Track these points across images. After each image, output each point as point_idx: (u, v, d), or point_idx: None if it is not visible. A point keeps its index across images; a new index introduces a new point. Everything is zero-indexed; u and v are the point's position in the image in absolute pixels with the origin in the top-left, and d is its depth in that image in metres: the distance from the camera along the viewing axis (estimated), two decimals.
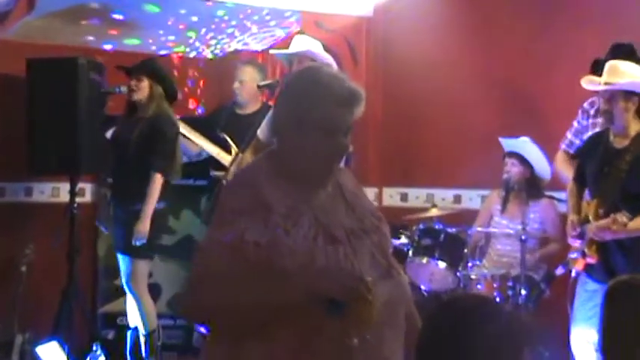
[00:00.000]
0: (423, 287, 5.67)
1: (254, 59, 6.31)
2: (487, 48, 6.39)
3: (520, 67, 6.25)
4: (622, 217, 4.38)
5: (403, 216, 6.08)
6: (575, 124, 5.38)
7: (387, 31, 6.79)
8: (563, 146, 5.43)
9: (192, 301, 2.48)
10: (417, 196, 6.77)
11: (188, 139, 5.87)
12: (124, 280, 5.55)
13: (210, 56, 6.78)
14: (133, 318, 5.63)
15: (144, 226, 5.29)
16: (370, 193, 6.84)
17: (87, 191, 6.47)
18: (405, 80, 6.69)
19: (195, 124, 6.02)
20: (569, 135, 5.42)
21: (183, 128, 5.79)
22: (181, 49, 6.65)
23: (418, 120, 6.71)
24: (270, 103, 5.41)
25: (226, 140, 5.78)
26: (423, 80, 6.56)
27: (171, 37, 6.51)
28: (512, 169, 5.66)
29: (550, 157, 5.64)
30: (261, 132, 5.19)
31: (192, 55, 6.74)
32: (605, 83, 4.58)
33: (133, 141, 5.36)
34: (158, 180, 5.33)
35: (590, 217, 4.60)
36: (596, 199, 4.63)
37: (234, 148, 5.53)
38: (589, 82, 4.70)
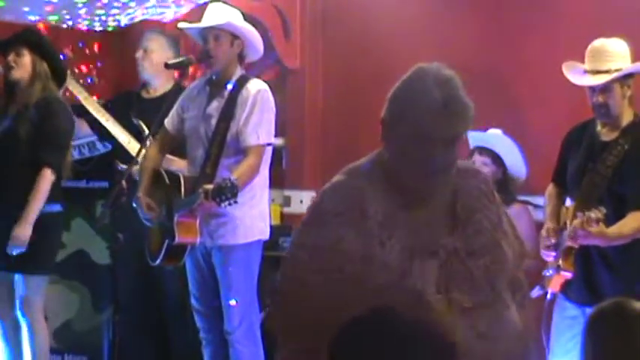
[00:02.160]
0: None
1: (164, 30, 6.19)
2: (448, 22, 6.35)
3: (487, 46, 6.20)
4: (597, 212, 4.35)
5: None
6: None
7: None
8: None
9: (283, 318, 2.77)
10: None
11: (98, 123, 5.85)
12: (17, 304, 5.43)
13: (110, 28, 6.66)
14: (0, 352, 5.53)
15: (24, 230, 5.20)
16: (306, 197, 6.77)
17: None
18: (349, 59, 6.66)
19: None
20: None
21: (89, 105, 5.80)
22: (59, 18, 6.59)
23: (366, 108, 6.55)
24: (186, 83, 5.34)
25: (139, 127, 5.74)
26: (372, 59, 6.52)
27: (56, 5, 6.41)
28: (483, 168, 5.56)
29: (524, 151, 5.60)
30: (170, 122, 5.10)
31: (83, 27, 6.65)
32: (595, 72, 4.59)
33: (24, 136, 5.28)
34: (48, 177, 5.26)
35: (568, 223, 4.59)
36: (576, 201, 4.64)
37: (146, 137, 5.46)
38: (575, 74, 4.70)
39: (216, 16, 4.99)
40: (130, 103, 5.92)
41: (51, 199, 5.32)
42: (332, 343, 2.13)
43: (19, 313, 5.40)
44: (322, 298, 2.62)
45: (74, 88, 5.91)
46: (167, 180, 5.05)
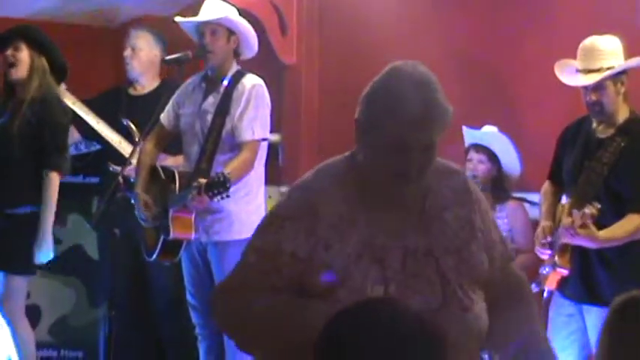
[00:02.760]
0: None
1: (150, 27, 6.19)
2: (445, 19, 6.33)
3: (485, 40, 6.20)
4: (591, 208, 4.36)
5: None
6: None
7: None
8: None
9: (216, 310, 2.77)
10: None
11: (86, 124, 5.84)
12: None
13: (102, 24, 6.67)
14: (3, 348, 5.49)
15: (45, 240, 5.21)
16: None
17: None
18: (346, 55, 6.63)
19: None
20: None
21: (79, 108, 5.77)
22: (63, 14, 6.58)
23: None
24: (182, 81, 5.34)
25: (129, 128, 5.72)
26: (369, 55, 6.45)
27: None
28: (479, 166, 5.60)
29: (519, 148, 5.60)
30: (166, 117, 5.09)
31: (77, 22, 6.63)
32: (587, 71, 4.59)
33: (16, 132, 5.24)
34: (55, 180, 5.24)
35: (563, 220, 4.58)
36: (572, 198, 4.63)
37: (137, 137, 5.46)
38: (567, 74, 4.70)
39: (213, 11, 5.00)
40: (118, 101, 5.93)
41: (38, 199, 5.29)
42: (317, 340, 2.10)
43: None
44: (262, 300, 2.62)
45: (62, 92, 5.86)
46: (163, 175, 5.06)
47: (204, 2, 5.10)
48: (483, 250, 2.76)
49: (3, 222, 5.27)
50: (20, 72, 5.32)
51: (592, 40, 4.63)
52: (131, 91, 5.97)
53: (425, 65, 2.73)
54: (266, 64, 5.71)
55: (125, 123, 5.75)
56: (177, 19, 5.14)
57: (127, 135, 5.77)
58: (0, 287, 5.32)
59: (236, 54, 5.02)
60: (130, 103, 5.84)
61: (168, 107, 5.13)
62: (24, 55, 5.33)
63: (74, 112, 5.75)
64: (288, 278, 2.62)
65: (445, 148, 5.64)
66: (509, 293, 2.85)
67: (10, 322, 5.34)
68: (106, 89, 6.30)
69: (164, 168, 5.14)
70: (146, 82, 5.93)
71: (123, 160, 5.47)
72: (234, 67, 4.98)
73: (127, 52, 5.91)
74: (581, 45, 4.66)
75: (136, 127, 5.60)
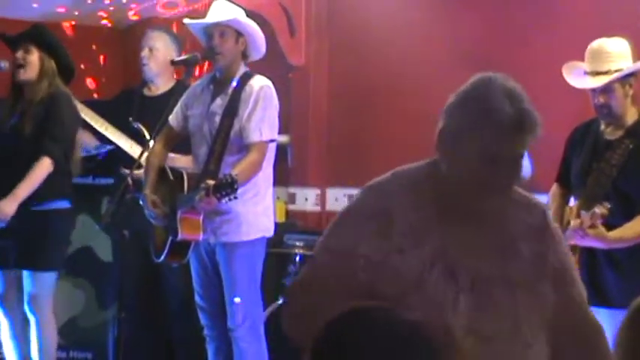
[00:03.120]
0: None
1: (168, 27, 6.18)
2: (456, 15, 6.33)
3: (494, 41, 6.20)
4: (601, 208, 4.33)
5: None
6: None
7: None
8: None
9: (287, 315, 2.76)
10: None
11: (92, 128, 5.83)
12: (3, 304, 5.45)
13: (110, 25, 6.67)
14: (11, 354, 5.53)
15: (10, 205, 5.19)
16: (311, 195, 6.75)
17: None
18: (355, 56, 6.64)
19: (98, 109, 5.95)
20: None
21: (85, 114, 5.73)
22: (74, 15, 6.56)
23: (372, 105, 6.65)
24: (190, 82, 5.35)
25: (140, 131, 5.71)
26: (377, 56, 6.50)
27: (64, 1, 6.44)
28: None
29: (528, 150, 5.57)
30: (174, 119, 5.09)
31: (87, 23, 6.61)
32: (595, 73, 4.56)
33: (27, 131, 5.27)
34: (45, 165, 5.23)
35: (572, 221, 4.56)
36: (580, 200, 4.61)
37: (147, 140, 5.42)
38: (575, 76, 4.68)
39: (222, 12, 4.98)
40: (131, 103, 5.90)
41: (59, 195, 5.33)
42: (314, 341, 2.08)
43: (27, 310, 5.38)
44: (334, 303, 2.45)
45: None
46: (171, 176, 5.06)
47: (212, 4, 5.09)
48: (555, 290, 2.69)
49: (23, 220, 5.24)
50: (29, 73, 5.33)
51: (600, 43, 4.60)
52: (145, 92, 5.95)
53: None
54: (275, 65, 5.71)
55: (135, 126, 5.73)
56: (186, 20, 5.12)
57: (137, 137, 5.75)
58: (28, 286, 5.35)
59: (244, 55, 5.00)
60: (143, 104, 5.81)
61: (177, 108, 5.13)
62: (34, 57, 5.35)
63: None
64: (361, 282, 2.58)
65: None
66: (583, 341, 2.77)
67: (38, 320, 5.36)
68: (120, 90, 6.31)
69: (172, 169, 5.14)
70: (161, 83, 5.91)
71: (134, 162, 5.42)
72: (242, 69, 4.97)
73: (145, 53, 5.89)
74: (589, 47, 4.64)
75: (148, 128, 5.54)
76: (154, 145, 5.16)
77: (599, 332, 2.82)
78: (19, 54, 5.35)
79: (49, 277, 5.40)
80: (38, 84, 5.34)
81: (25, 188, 5.19)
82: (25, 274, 5.35)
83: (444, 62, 6.33)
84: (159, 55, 5.86)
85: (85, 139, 5.84)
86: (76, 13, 6.57)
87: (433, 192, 2.66)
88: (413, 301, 2.50)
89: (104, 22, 6.73)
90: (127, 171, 5.38)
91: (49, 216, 5.30)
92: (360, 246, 2.61)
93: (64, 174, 5.35)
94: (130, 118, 5.76)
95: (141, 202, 5.06)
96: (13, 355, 5.53)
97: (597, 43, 4.61)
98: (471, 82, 2.72)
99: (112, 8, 6.57)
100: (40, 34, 5.42)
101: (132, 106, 5.86)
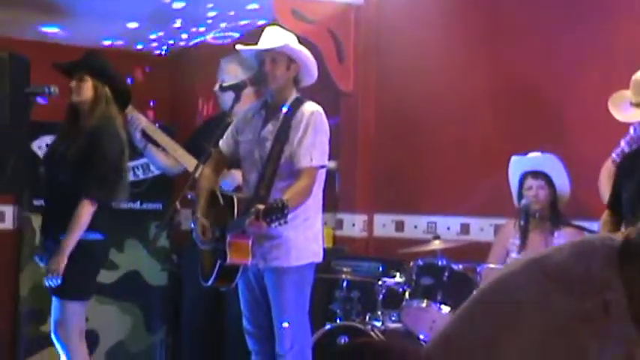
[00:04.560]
0: (422, 337, 5.54)
1: (238, 54, 6.18)
2: (500, 47, 6.35)
3: (538, 71, 6.19)
4: None
5: (398, 249, 5.99)
6: (631, 130, 5.28)
7: (380, 23, 6.78)
8: (613, 155, 5.32)
9: None
10: (415, 225, 6.69)
11: (162, 149, 5.88)
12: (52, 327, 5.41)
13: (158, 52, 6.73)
14: None
15: (58, 261, 5.18)
16: (358, 221, 6.75)
17: (7, 215, 6.53)
18: (402, 83, 6.66)
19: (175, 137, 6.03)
20: (622, 143, 5.33)
21: (157, 137, 5.80)
22: (134, 40, 6.72)
23: (418, 132, 6.65)
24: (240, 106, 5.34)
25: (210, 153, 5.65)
26: (424, 84, 6.53)
27: (115, 28, 6.52)
28: (540, 192, 5.65)
29: (571, 175, 5.64)
30: (225, 143, 5.11)
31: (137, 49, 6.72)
32: (638, 105, 4.63)
33: (70, 156, 5.27)
34: (87, 208, 5.22)
35: None
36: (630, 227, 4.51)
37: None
38: (621, 109, 4.75)
39: (274, 39, 4.98)
40: (213, 130, 5.84)
41: (92, 227, 5.29)
42: None
43: (54, 337, 5.37)
44: None
45: (144, 123, 5.89)
46: (221, 201, 5.06)
47: (265, 30, 5.11)
48: None
49: (55, 248, 5.25)
50: (83, 97, 5.35)
51: None
52: (229, 120, 5.95)
53: None
54: (323, 91, 5.72)
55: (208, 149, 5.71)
56: (239, 47, 5.12)
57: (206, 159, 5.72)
58: (55, 313, 5.33)
59: (296, 81, 4.99)
60: (223, 130, 5.80)
61: (228, 133, 5.14)
62: (87, 85, 5.36)
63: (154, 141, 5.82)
64: None
65: (499, 178, 5.77)
66: None
67: (66, 348, 5.33)
68: (203, 122, 6.39)
69: (223, 193, 5.15)
70: (237, 109, 5.88)
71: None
72: (294, 95, 4.96)
73: (216, 87, 5.92)
74: (633, 78, 4.68)
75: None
76: (203, 169, 5.17)
77: None
78: (73, 83, 5.38)
79: (76, 306, 5.36)
80: (92, 111, 5.34)
81: (70, 239, 5.19)
82: (54, 301, 5.35)
83: (489, 92, 6.35)
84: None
85: (165, 161, 5.91)
86: (139, 41, 6.62)
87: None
88: None
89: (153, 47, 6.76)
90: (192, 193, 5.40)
91: (79, 247, 5.26)
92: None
93: (100, 208, 5.32)
94: (206, 143, 5.75)
95: (191, 226, 5.07)
96: None
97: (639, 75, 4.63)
98: None
99: (161, 34, 6.62)
100: (93, 62, 5.44)
101: (213, 131, 5.83)
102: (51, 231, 5.37)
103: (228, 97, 5.70)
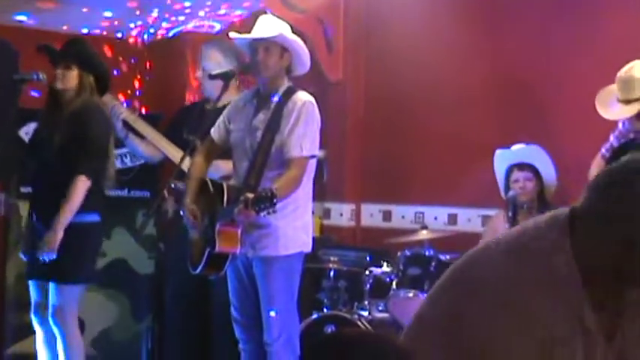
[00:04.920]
0: None
1: (222, 41, 6.18)
2: (491, 36, 6.38)
3: (528, 62, 6.23)
4: None
5: (386, 239, 6.00)
6: (619, 125, 5.31)
7: (369, 13, 6.76)
8: (602, 150, 5.36)
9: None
10: (402, 215, 6.73)
11: (143, 137, 5.90)
12: (40, 314, 5.43)
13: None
14: (42, 357, 5.50)
15: (55, 237, 5.17)
16: (346, 210, 6.75)
17: None
18: (391, 73, 6.68)
19: (158, 126, 6.04)
20: (611, 138, 5.38)
21: (139, 126, 5.83)
22: (115, 28, 6.67)
23: (406, 122, 6.67)
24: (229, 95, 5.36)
25: (194, 142, 5.60)
26: (413, 74, 6.54)
27: (105, 14, 6.48)
28: (528, 184, 5.69)
29: (559, 167, 5.68)
30: (216, 131, 5.11)
31: (130, 36, 6.72)
32: (627, 101, 4.67)
33: (57, 142, 5.27)
34: (82, 183, 5.22)
35: None
36: None
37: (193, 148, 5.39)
38: (608, 105, 4.81)
39: (267, 28, 4.97)
40: (190, 117, 5.91)
41: (88, 208, 5.31)
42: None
43: (51, 322, 5.37)
44: None
45: (125, 113, 5.90)
46: (211, 189, 5.05)
47: (258, 19, 5.09)
48: None
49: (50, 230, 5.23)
50: (67, 85, 5.35)
51: (628, 70, 4.67)
52: (207, 106, 5.92)
53: None
54: (312, 80, 5.72)
55: (188, 137, 5.64)
56: (232, 34, 5.10)
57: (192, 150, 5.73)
58: (53, 298, 5.32)
59: (288, 70, 4.99)
60: (202, 117, 5.77)
61: (219, 121, 5.13)
62: (73, 74, 5.36)
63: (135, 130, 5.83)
64: None
65: (487, 168, 5.78)
66: None
67: (63, 333, 5.33)
68: (180, 107, 6.35)
69: (213, 182, 5.14)
70: (224, 97, 5.87)
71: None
72: (286, 84, 4.96)
73: (199, 74, 5.93)
74: (618, 75, 4.72)
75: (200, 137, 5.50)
76: (195, 157, 5.17)
77: None
78: (59, 70, 5.36)
79: (74, 290, 5.37)
80: (75, 97, 5.36)
81: (64, 215, 5.18)
82: (51, 285, 5.34)
83: (479, 82, 6.37)
84: None
85: (146, 150, 5.94)
86: (121, 29, 6.60)
87: (571, 276, 2.21)
88: None
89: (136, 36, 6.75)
90: (174, 183, 5.40)
91: (77, 229, 5.27)
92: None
93: (94, 188, 5.34)
94: (185, 131, 5.77)
95: (181, 212, 5.06)
96: None
97: (626, 71, 4.69)
98: (620, 161, 2.38)
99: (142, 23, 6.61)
100: (80, 51, 5.44)
101: (191, 120, 5.86)
102: (42, 216, 5.35)
103: (212, 85, 5.74)
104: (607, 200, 2.22)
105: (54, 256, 5.16)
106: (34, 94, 6.18)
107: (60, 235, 5.16)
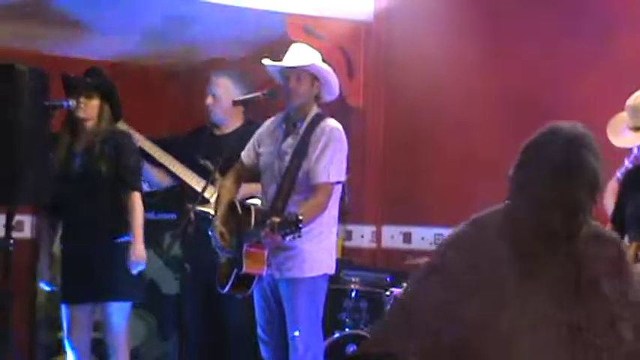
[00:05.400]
0: None
1: (231, 69, 6.26)
2: (506, 60, 6.46)
3: (540, 81, 6.30)
4: None
5: (406, 260, 6.02)
6: (635, 150, 5.33)
7: (389, 40, 6.80)
8: (617, 174, 5.38)
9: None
10: (422, 236, 6.76)
11: (158, 164, 5.97)
12: (72, 338, 5.44)
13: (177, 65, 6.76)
14: None
15: (140, 248, 5.31)
16: (367, 232, 6.79)
17: (26, 225, 6.59)
18: (410, 97, 6.72)
19: (168, 147, 6.07)
20: (626, 162, 5.40)
21: (154, 152, 5.91)
22: (142, 55, 6.73)
23: (425, 145, 6.71)
24: (255, 120, 5.43)
25: (207, 167, 5.78)
26: (431, 98, 6.59)
27: (132, 39, 6.57)
28: None
29: None
30: (246, 155, 5.22)
31: (155, 63, 6.77)
32: (636, 129, 4.74)
33: (103, 170, 5.37)
34: (138, 199, 5.37)
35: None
36: (635, 242, 4.61)
37: (214, 177, 5.50)
38: (619, 133, 4.84)
39: (300, 56, 5.04)
40: (200, 141, 5.97)
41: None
42: None
43: (107, 341, 5.44)
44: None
45: (141, 140, 5.97)
46: (240, 211, 5.11)
47: (291, 47, 5.16)
48: (633, 326, 2.64)
49: (99, 253, 5.32)
50: (89, 114, 5.44)
51: (636, 98, 4.74)
52: (215, 132, 6.01)
53: (584, 126, 2.70)
54: (333, 105, 5.77)
55: (202, 162, 5.82)
56: (265, 61, 5.15)
57: (204, 174, 5.80)
58: (109, 317, 5.38)
59: (316, 97, 5.06)
60: (211, 143, 5.84)
61: (249, 145, 5.21)
62: (94, 103, 5.45)
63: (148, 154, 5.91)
64: (453, 341, 2.59)
65: (505, 187, 5.80)
66: None
67: (120, 353, 5.40)
68: (192, 129, 6.37)
69: (242, 204, 5.20)
70: (230, 124, 5.97)
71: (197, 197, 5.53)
72: (315, 110, 5.03)
73: (209, 100, 5.97)
74: (627, 103, 4.76)
75: (216, 165, 5.57)
76: (224, 180, 5.25)
77: None
78: (82, 99, 5.42)
79: (126, 307, 5.45)
80: (98, 126, 5.45)
81: (139, 226, 5.32)
82: (104, 307, 5.39)
83: (493, 105, 6.42)
84: (222, 102, 5.93)
85: (157, 176, 6.01)
86: (144, 54, 6.65)
87: (510, 239, 2.67)
88: (478, 345, 2.56)
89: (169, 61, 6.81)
90: (190, 206, 5.44)
91: (122, 249, 5.34)
92: (449, 305, 2.63)
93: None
94: (198, 156, 5.86)
95: (210, 233, 5.12)
96: None
97: (634, 99, 4.74)
98: (543, 129, 2.74)
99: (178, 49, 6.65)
100: (101, 82, 5.52)
101: (201, 144, 5.93)
102: (89, 241, 5.38)
103: (221, 110, 5.88)
104: (518, 172, 2.69)
105: (144, 267, 5.32)
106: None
107: (142, 245, 5.30)
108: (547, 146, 2.65)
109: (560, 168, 2.59)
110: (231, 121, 5.98)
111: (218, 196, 5.26)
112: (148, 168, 5.96)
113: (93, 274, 5.32)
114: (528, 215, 2.64)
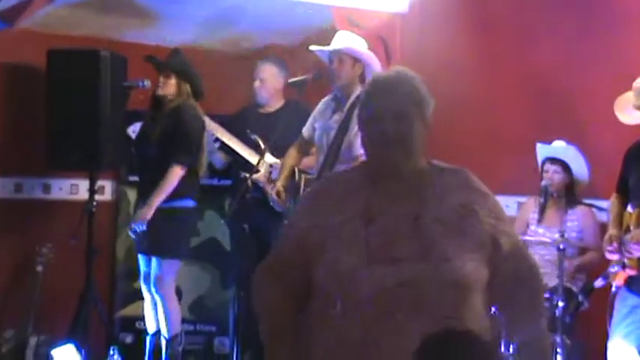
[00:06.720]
0: None
1: (273, 56, 6.56)
2: (526, 47, 6.49)
3: (559, 70, 6.33)
4: None
5: None
6: None
7: (422, 30, 6.88)
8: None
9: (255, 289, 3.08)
10: None
11: (224, 144, 6.20)
12: (149, 283, 5.76)
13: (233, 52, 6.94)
14: (151, 323, 5.88)
15: (148, 212, 5.52)
16: None
17: (107, 189, 6.70)
18: (439, 82, 6.65)
19: (223, 122, 6.29)
20: None
21: (214, 129, 6.12)
22: (204, 42, 6.84)
23: (450, 123, 6.72)
24: (300, 100, 5.77)
25: (256, 141, 6.05)
26: (457, 83, 6.59)
27: (194, 30, 6.70)
28: (555, 176, 5.88)
29: (590, 161, 5.86)
30: (306, 130, 5.54)
31: (214, 49, 6.92)
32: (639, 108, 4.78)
33: (156, 137, 5.65)
34: (175, 172, 5.55)
35: (632, 227, 4.72)
36: (638, 209, 4.75)
37: (264, 149, 5.74)
38: (626, 111, 4.93)
39: (342, 41, 5.32)
40: (249, 118, 6.27)
41: (184, 195, 5.67)
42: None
43: (153, 290, 5.73)
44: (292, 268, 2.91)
45: (216, 129, 6.21)
46: (297, 177, 5.44)
47: (336, 34, 5.41)
48: (487, 235, 2.77)
49: (154, 215, 5.58)
50: (166, 91, 5.73)
51: None
52: (260, 110, 6.35)
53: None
54: None
55: (253, 137, 6.08)
56: (312, 47, 5.41)
57: (255, 147, 6.08)
58: (155, 270, 5.68)
59: (362, 78, 5.24)
60: (259, 120, 6.19)
61: (309, 121, 5.51)
62: (172, 82, 5.76)
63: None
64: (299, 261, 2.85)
65: (522, 161, 5.94)
66: (518, 280, 2.83)
67: (164, 299, 5.70)
68: (241, 107, 6.57)
69: (300, 171, 5.52)
70: (273, 104, 6.32)
71: (250, 167, 5.82)
72: (358, 90, 5.11)
73: (256, 84, 6.30)
74: (634, 83, 4.84)
75: (263, 139, 5.90)
76: (290, 149, 5.58)
77: (533, 269, 2.91)
78: (161, 79, 5.76)
79: (173, 264, 5.72)
80: (173, 102, 5.74)
81: (158, 195, 5.54)
82: (153, 259, 5.70)
83: (514, 89, 6.48)
84: (268, 85, 6.29)
85: (221, 157, 6.31)
86: (207, 41, 6.84)
87: (361, 171, 2.93)
88: (330, 244, 2.73)
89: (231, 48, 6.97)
90: (245, 174, 5.72)
91: (175, 212, 5.62)
92: (315, 219, 2.82)
93: (189, 177, 5.66)
94: (248, 131, 6.13)
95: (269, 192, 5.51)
96: (152, 324, 5.88)
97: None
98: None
99: (238, 36, 6.81)
100: (178, 65, 5.78)
101: (249, 121, 6.23)
102: (143, 199, 5.69)
103: (265, 92, 6.19)
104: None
105: (144, 228, 5.52)
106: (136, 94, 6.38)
107: (152, 211, 5.51)
108: (383, 76, 2.92)
109: (383, 85, 2.81)
110: (274, 101, 6.30)
111: (283, 162, 5.58)
112: (213, 151, 6.21)
113: (148, 232, 5.59)
114: (366, 133, 2.84)
